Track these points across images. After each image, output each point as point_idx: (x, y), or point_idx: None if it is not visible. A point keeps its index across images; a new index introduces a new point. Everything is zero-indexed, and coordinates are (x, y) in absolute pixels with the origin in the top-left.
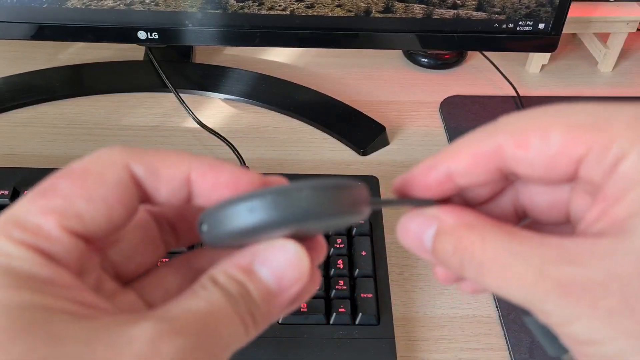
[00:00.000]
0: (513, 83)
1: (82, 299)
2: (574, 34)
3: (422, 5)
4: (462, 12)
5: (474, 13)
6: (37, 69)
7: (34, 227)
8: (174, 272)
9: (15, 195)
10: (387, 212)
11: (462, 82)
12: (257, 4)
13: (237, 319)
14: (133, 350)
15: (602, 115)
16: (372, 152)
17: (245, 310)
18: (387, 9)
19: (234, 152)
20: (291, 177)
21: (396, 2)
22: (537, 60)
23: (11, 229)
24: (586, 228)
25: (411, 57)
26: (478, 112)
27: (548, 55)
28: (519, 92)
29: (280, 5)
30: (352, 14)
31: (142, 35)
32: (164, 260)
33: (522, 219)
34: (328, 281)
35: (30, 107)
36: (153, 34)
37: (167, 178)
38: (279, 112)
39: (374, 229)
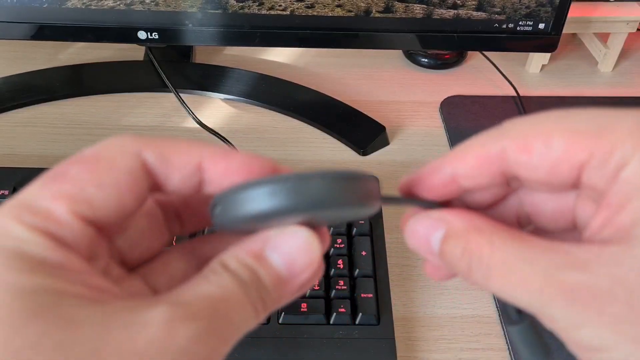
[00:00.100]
0: (513, 83)
1: (93, 284)
2: (574, 34)
3: (422, 5)
4: (462, 12)
5: (474, 13)
6: (37, 69)
7: (44, 212)
8: (178, 258)
9: None
10: (387, 212)
11: (462, 82)
12: (257, 4)
13: (248, 305)
14: (148, 334)
15: (605, 121)
16: (372, 152)
17: (256, 296)
18: (387, 9)
19: None
20: None
21: (396, 2)
22: (537, 60)
23: (22, 213)
24: (592, 235)
25: (411, 57)
26: (478, 112)
27: (548, 55)
28: (519, 92)
29: (280, 5)
30: (352, 14)
31: (142, 35)
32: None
33: (524, 227)
34: (328, 281)
35: (30, 107)
36: (153, 34)
37: (178, 165)
38: (279, 112)
39: (374, 228)
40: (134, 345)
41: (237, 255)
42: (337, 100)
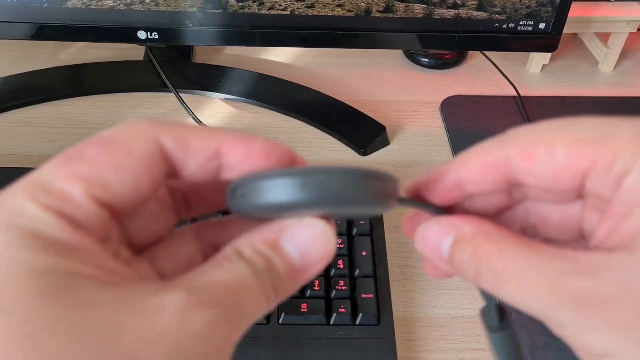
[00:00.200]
0: (514, 83)
1: (106, 266)
2: (575, 34)
3: (423, 5)
4: (462, 11)
5: (475, 13)
6: (37, 68)
7: (59, 192)
8: (184, 243)
9: None
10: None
11: (463, 82)
12: (257, 3)
13: (261, 293)
14: (164, 320)
15: (607, 129)
16: (373, 152)
17: (270, 285)
18: (388, 9)
19: None
20: None
21: (396, 2)
22: (538, 60)
23: (36, 192)
24: (598, 244)
25: (411, 56)
26: (479, 112)
27: (549, 55)
28: (519, 92)
29: (280, 5)
30: (352, 13)
31: (142, 35)
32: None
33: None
34: (328, 281)
35: (30, 107)
36: (153, 33)
37: (197, 151)
38: (279, 112)
39: (374, 228)
40: (150, 331)
41: (251, 242)
42: (337, 100)
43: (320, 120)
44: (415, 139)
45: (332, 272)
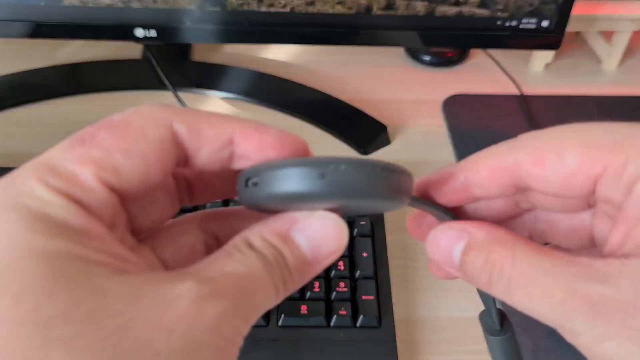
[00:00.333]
0: (516, 81)
1: (115, 252)
2: (578, 32)
3: (424, 3)
4: (464, 9)
5: (477, 10)
6: (35, 67)
7: (70, 175)
8: (186, 231)
9: None
10: (388, 213)
11: (465, 81)
12: (256, 1)
13: (271, 285)
14: (178, 310)
15: (618, 135)
16: (374, 151)
17: (279, 277)
18: (389, 6)
19: None
20: None
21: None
22: (541, 58)
23: (46, 175)
24: (612, 251)
25: (413, 54)
26: (481, 111)
27: (552, 53)
28: (522, 90)
29: (280, 2)
30: (353, 11)
31: (140, 33)
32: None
33: None
34: (328, 283)
35: (28, 106)
36: (151, 31)
37: (210, 138)
38: (278, 111)
39: (375, 229)
40: (164, 321)
41: (262, 234)
42: (338, 99)
43: (320, 119)
44: (417, 138)
45: (333, 273)
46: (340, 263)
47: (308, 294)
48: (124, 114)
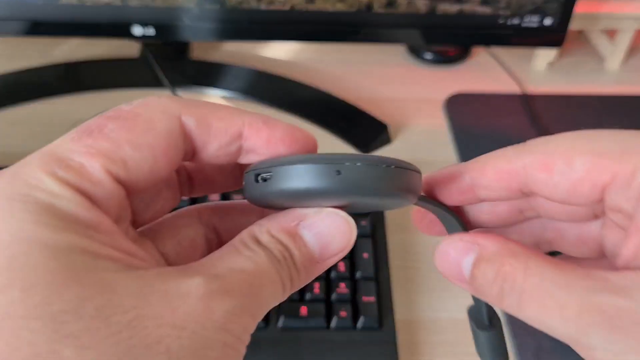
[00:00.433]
0: (519, 80)
1: (123, 246)
2: (581, 31)
3: (425, 0)
4: (466, 7)
5: (479, 8)
6: (31, 66)
7: (78, 167)
8: (187, 224)
9: None
10: (389, 213)
11: (467, 79)
12: None
13: (278, 282)
14: (187, 307)
15: (628, 143)
16: (374, 150)
17: (286, 274)
18: (390, 4)
19: None
20: None
21: None
22: (543, 57)
23: (54, 167)
24: (626, 263)
25: (415, 53)
26: (483, 110)
27: (554, 52)
28: (525, 89)
29: (280, 0)
30: (353, 8)
31: (138, 31)
32: None
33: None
34: (329, 284)
35: (25, 105)
36: (149, 29)
37: (218, 132)
38: (278, 109)
39: (376, 230)
40: (174, 317)
41: (269, 230)
42: (338, 98)
43: (321, 118)
44: (418, 137)
45: (333, 274)
46: (341, 264)
47: (308, 296)
48: (133, 105)
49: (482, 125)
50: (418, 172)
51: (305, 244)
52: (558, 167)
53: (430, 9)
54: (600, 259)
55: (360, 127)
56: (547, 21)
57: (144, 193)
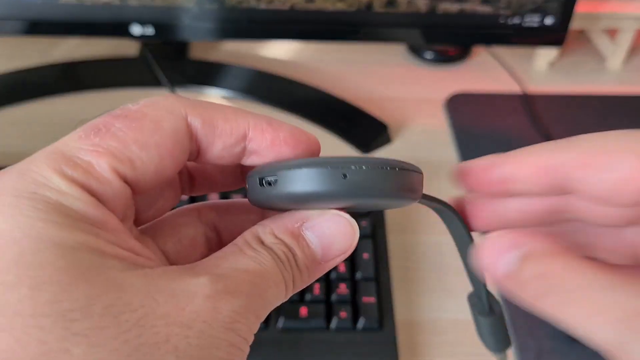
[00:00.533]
0: (519, 80)
1: (129, 245)
2: (582, 31)
3: (426, 0)
4: (467, 6)
5: (480, 7)
6: (31, 65)
7: (85, 166)
8: (187, 222)
9: None
10: (390, 213)
11: (467, 79)
12: None
13: (281, 283)
14: (194, 306)
15: None
16: (374, 150)
17: (289, 275)
18: (390, 3)
19: None
20: None
21: None
22: (544, 56)
23: (62, 165)
24: None
25: (415, 52)
26: (483, 110)
27: (555, 51)
28: (525, 89)
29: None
30: (353, 7)
31: (137, 30)
32: None
33: None
34: (329, 285)
35: (24, 104)
36: (148, 29)
37: (224, 133)
38: (278, 109)
39: (376, 230)
40: (181, 316)
41: (273, 230)
42: (338, 97)
43: (320, 118)
44: (418, 137)
45: (333, 275)
46: (341, 264)
47: (308, 296)
48: (140, 105)
49: (482, 125)
50: (420, 172)
51: (308, 245)
52: (601, 165)
53: (431, 8)
54: (636, 267)
55: (360, 127)
56: (548, 21)
57: (148, 192)
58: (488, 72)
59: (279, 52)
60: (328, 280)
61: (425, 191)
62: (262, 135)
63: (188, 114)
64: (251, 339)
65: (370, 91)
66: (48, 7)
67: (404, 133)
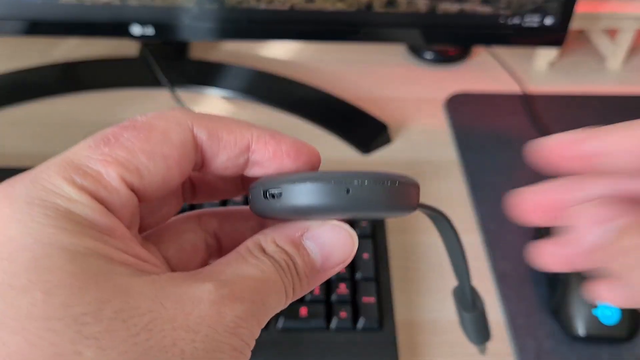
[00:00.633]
0: (519, 80)
1: (136, 252)
2: (582, 31)
3: (426, 0)
4: (467, 6)
5: (480, 7)
6: (31, 66)
7: (95, 175)
8: (188, 229)
9: None
10: None
11: (467, 79)
12: None
13: (282, 290)
14: (200, 311)
15: None
16: (375, 150)
17: (289, 282)
18: (390, 3)
19: None
20: None
21: None
22: (544, 57)
23: (72, 173)
24: None
25: (415, 52)
26: (483, 110)
27: (555, 52)
28: (525, 89)
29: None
30: (353, 8)
31: (137, 30)
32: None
33: None
34: (329, 285)
35: (23, 105)
36: (148, 29)
37: (228, 144)
38: (278, 109)
39: (376, 230)
40: (188, 321)
41: (274, 239)
42: (338, 97)
43: (320, 118)
44: (418, 137)
45: (333, 275)
46: None
47: (308, 297)
48: (148, 117)
49: (482, 125)
50: (417, 185)
51: (309, 254)
52: None
53: (431, 8)
54: None
55: (360, 127)
56: (548, 21)
57: (154, 201)
58: (488, 72)
59: (279, 52)
60: (328, 281)
61: (425, 191)
62: (265, 147)
63: (194, 125)
64: (253, 344)
65: (370, 91)
66: (48, 7)
67: (404, 133)
